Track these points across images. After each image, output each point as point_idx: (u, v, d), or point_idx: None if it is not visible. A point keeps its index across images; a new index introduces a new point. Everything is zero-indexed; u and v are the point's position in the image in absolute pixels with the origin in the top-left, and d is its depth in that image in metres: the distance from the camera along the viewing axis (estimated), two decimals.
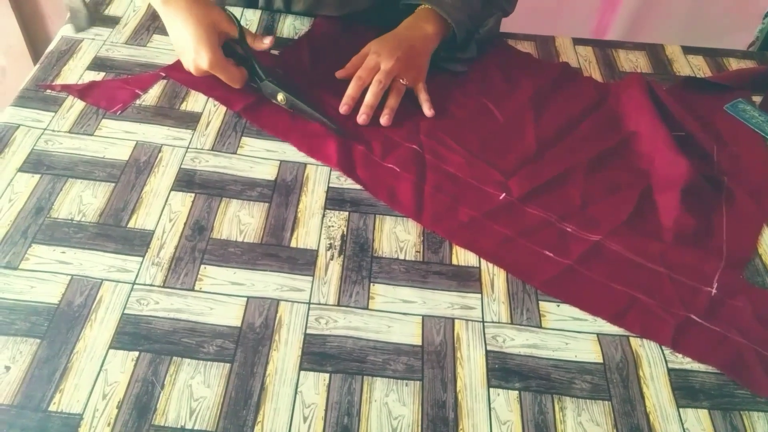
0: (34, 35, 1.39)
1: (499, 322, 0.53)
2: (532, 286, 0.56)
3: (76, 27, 0.76)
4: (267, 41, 0.69)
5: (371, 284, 0.55)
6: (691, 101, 0.76)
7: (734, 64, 0.84)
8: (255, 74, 0.69)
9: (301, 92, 0.68)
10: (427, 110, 0.70)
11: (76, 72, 0.73)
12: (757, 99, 0.78)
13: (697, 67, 0.83)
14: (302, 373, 0.49)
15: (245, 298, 0.53)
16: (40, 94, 0.69)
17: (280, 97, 0.68)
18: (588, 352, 0.52)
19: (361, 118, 0.68)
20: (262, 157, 0.65)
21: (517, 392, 0.49)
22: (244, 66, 0.69)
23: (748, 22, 1.39)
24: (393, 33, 0.74)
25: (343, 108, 0.68)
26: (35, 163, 0.62)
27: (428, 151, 0.66)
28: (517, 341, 0.52)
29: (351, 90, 0.69)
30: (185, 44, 0.65)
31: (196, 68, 0.67)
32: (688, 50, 0.86)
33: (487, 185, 0.64)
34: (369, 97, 0.68)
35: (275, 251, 0.57)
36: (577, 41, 0.85)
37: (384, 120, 0.68)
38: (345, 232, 0.59)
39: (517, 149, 0.67)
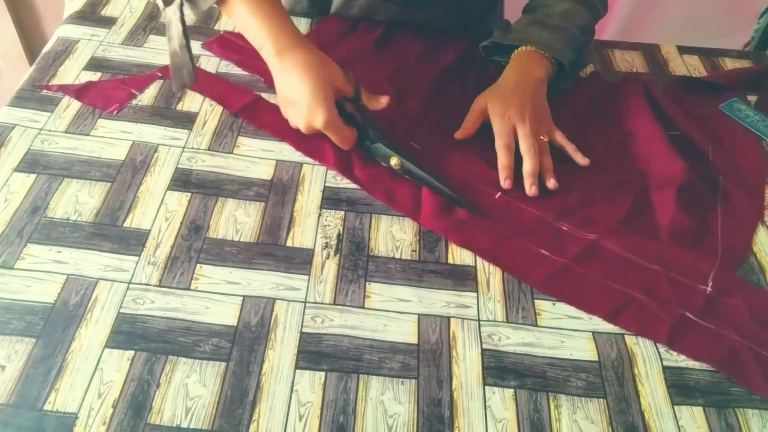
0: (31, 36, 1.39)
1: (494, 321, 0.53)
2: (527, 285, 0.56)
3: (179, 84, 0.65)
4: (383, 101, 0.65)
5: (367, 283, 0.55)
6: (687, 101, 0.76)
7: (729, 64, 0.84)
8: (366, 135, 0.65)
9: (416, 156, 0.64)
10: (581, 160, 0.66)
11: (72, 72, 0.73)
12: (753, 98, 0.78)
13: (692, 67, 0.83)
14: (298, 371, 0.49)
15: (241, 297, 0.53)
16: (36, 95, 0.69)
17: (394, 161, 0.63)
18: (583, 350, 0.52)
19: (532, 190, 0.62)
20: (258, 156, 0.65)
21: (512, 390, 0.49)
22: (351, 124, 0.64)
23: (743, 23, 1.40)
24: (507, 85, 0.69)
25: (506, 183, 0.63)
26: (31, 162, 0.62)
27: (426, 149, 0.66)
28: (513, 339, 0.52)
29: (506, 160, 0.64)
30: (298, 100, 0.61)
31: (307, 126, 0.62)
32: (683, 50, 0.86)
33: (483, 184, 0.64)
34: (531, 167, 0.63)
35: (271, 250, 0.57)
36: None
37: (551, 184, 0.63)
38: (341, 231, 0.59)
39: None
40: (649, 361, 0.52)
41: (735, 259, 0.60)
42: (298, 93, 0.61)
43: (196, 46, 0.78)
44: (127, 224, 0.58)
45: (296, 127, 0.64)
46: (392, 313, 0.53)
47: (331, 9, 0.83)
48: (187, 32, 0.61)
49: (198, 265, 0.55)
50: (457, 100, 0.73)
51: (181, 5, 0.60)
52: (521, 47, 0.72)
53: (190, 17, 0.61)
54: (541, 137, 0.66)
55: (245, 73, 0.75)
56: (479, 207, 0.61)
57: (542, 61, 0.70)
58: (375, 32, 0.80)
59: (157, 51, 0.77)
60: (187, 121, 0.68)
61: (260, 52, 0.63)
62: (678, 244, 0.60)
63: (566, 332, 0.53)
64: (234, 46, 0.78)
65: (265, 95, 0.72)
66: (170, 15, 0.61)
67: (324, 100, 0.60)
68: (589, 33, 0.76)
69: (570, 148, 0.67)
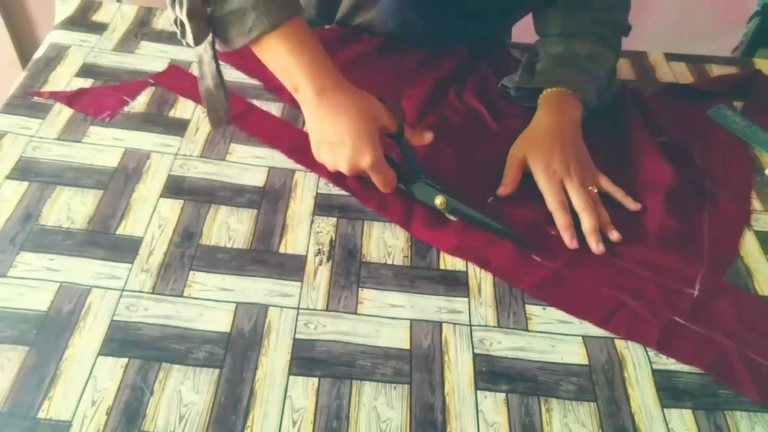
0: (23, 41, 1.39)
1: (486, 326, 0.54)
2: (518, 290, 0.57)
3: (215, 122, 0.63)
4: (428, 136, 0.63)
5: (360, 289, 0.56)
6: (674, 107, 0.77)
7: (716, 71, 0.86)
8: (407, 173, 0.61)
9: (462, 194, 0.61)
10: (632, 205, 0.64)
11: (63, 79, 0.73)
12: (739, 105, 0.80)
13: (679, 74, 0.84)
14: (291, 377, 0.49)
15: (234, 304, 0.53)
16: (27, 101, 0.69)
17: (439, 201, 0.59)
18: (574, 354, 0.53)
19: (599, 247, 0.59)
20: (250, 163, 0.66)
21: (504, 395, 0.50)
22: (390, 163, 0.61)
23: (732, 27, 1.41)
24: (543, 131, 0.67)
25: (574, 243, 0.59)
26: (23, 170, 0.62)
27: (419, 154, 0.67)
28: (504, 344, 0.53)
29: (567, 219, 0.61)
30: (341, 141, 0.58)
31: (351, 168, 0.59)
32: (670, 57, 0.87)
33: (474, 189, 0.64)
34: (592, 224, 0.60)
35: (264, 257, 0.57)
36: None
37: (615, 237, 0.60)
38: (333, 238, 0.60)
39: (504, 154, 0.68)
40: (639, 364, 0.52)
41: (722, 263, 0.60)
42: (341, 134, 0.58)
43: (190, 53, 0.79)
44: (119, 231, 0.58)
45: (335, 169, 0.61)
46: (385, 319, 0.54)
47: (335, 18, 0.83)
48: (221, 71, 0.59)
49: (191, 272, 0.55)
50: (454, 107, 0.74)
51: (213, 43, 0.57)
52: (550, 88, 0.69)
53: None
54: (591, 188, 0.63)
55: (238, 80, 0.76)
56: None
57: (575, 103, 0.68)
58: (377, 40, 0.80)
59: (149, 57, 0.77)
60: (179, 128, 0.69)
61: (295, 93, 0.60)
62: (665, 249, 0.60)
63: (557, 337, 0.54)
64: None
65: (257, 102, 0.73)
66: (201, 52, 0.58)
67: (369, 140, 0.58)
68: (613, 77, 0.75)
69: (619, 195, 0.64)
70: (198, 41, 0.56)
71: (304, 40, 0.58)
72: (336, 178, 0.64)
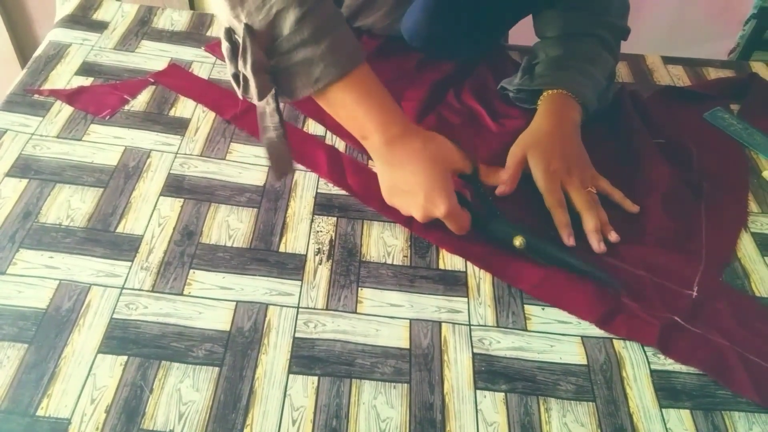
0: (22, 40, 1.38)
1: (485, 326, 0.54)
2: (517, 290, 0.57)
3: (279, 174, 0.60)
4: (505, 176, 0.62)
5: (359, 288, 0.56)
6: (671, 110, 0.78)
7: (713, 74, 0.86)
8: (483, 214, 0.60)
9: (541, 233, 0.60)
10: (630, 207, 0.64)
11: (64, 77, 0.73)
12: (735, 107, 0.80)
13: (676, 77, 0.85)
14: (291, 376, 0.49)
15: (234, 303, 0.53)
16: (27, 99, 0.69)
17: (518, 241, 0.57)
18: (572, 354, 0.53)
19: (601, 246, 0.60)
20: (250, 162, 0.66)
21: (503, 394, 0.50)
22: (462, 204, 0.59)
23: (729, 29, 1.42)
24: (543, 132, 0.67)
25: (571, 240, 0.60)
26: (23, 167, 0.62)
27: None
28: (503, 344, 0.53)
29: (564, 217, 0.61)
30: (414, 189, 0.56)
31: (425, 216, 0.57)
32: (668, 60, 0.88)
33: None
34: (594, 224, 0.61)
35: (264, 256, 0.57)
36: None
37: (614, 237, 0.61)
38: (333, 237, 0.60)
39: (503, 155, 0.68)
40: (637, 364, 0.53)
41: (719, 264, 0.61)
42: (412, 183, 0.56)
43: (191, 53, 0.79)
44: (119, 230, 0.58)
45: (408, 214, 0.59)
46: (384, 318, 0.54)
47: None
48: (284, 122, 0.56)
49: (191, 271, 0.55)
50: (453, 108, 0.74)
51: (275, 96, 0.54)
52: (550, 90, 0.70)
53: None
54: (590, 189, 0.63)
55: None
56: None
57: (575, 105, 0.69)
58: (376, 42, 0.80)
59: (149, 56, 0.77)
60: (179, 126, 0.69)
61: (363, 141, 0.58)
62: (663, 250, 0.61)
63: (555, 336, 0.54)
64: None
65: None
66: (262, 105, 0.55)
67: (443, 189, 0.56)
68: (612, 80, 0.76)
69: (617, 196, 0.64)
70: (262, 96, 0.53)
71: (371, 88, 0.55)
72: (336, 178, 0.65)
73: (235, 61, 0.53)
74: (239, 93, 0.55)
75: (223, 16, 0.53)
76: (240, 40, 0.52)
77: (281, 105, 0.55)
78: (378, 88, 0.56)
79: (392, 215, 0.61)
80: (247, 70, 0.52)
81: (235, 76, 0.55)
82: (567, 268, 0.58)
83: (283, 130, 0.56)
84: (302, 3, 0.49)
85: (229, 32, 0.53)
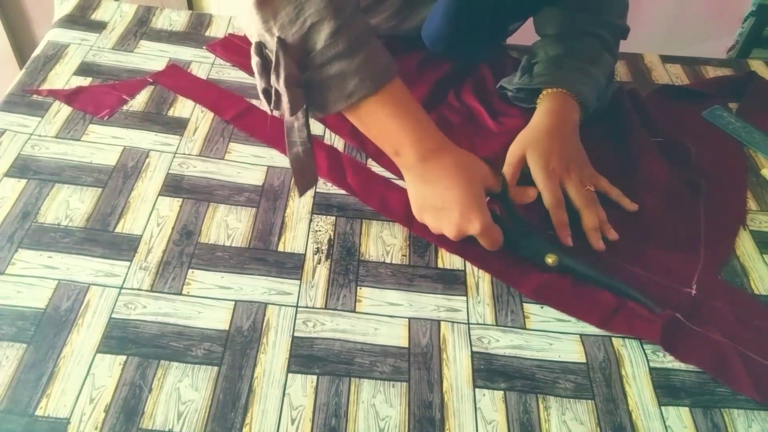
0: (21, 39, 1.38)
1: (484, 324, 0.54)
2: (516, 288, 0.57)
3: (303, 188, 0.60)
4: (533, 193, 0.61)
5: (358, 287, 0.56)
6: (670, 108, 0.78)
7: (711, 72, 0.86)
8: (514, 231, 0.59)
9: (573, 250, 0.59)
10: (629, 205, 0.64)
11: (62, 77, 0.73)
12: (734, 106, 0.80)
13: (675, 76, 0.85)
14: (290, 375, 0.49)
15: (233, 302, 0.53)
16: (26, 99, 0.69)
17: (551, 259, 0.57)
18: (571, 352, 0.53)
19: (600, 244, 0.60)
20: (249, 162, 0.66)
21: (502, 392, 0.50)
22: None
23: (728, 27, 1.42)
24: (542, 130, 0.66)
25: (569, 240, 0.60)
26: (22, 168, 0.62)
27: None
28: (502, 342, 0.53)
29: (562, 217, 0.61)
30: (448, 205, 0.56)
31: (458, 233, 0.56)
32: (666, 59, 0.88)
33: None
34: (593, 222, 0.61)
35: (263, 255, 0.57)
36: None
37: (613, 235, 0.61)
38: (332, 236, 0.60)
39: (503, 154, 0.68)
40: (636, 362, 0.53)
41: (717, 262, 0.61)
42: (446, 200, 0.55)
43: (189, 53, 0.79)
44: (118, 230, 0.58)
45: (439, 232, 0.58)
46: (383, 317, 0.54)
47: None
48: (311, 137, 0.56)
49: (190, 270, 0.55)
50: (453, 107, 0.74)
51: (306, 110, 0.54)
52: (549, 89, 0.69)
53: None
54: (589, 187, 0.63)
55: (238, 80, 0.76)
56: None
57: (574, 104, 0.68)
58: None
59: (148, 56, 0.77)
60: (178, 126, 0.69)
61: (395, 157, 0.57)
62: (662, 248, 0.61)
63: (554, 335, 0.54)
64: (238, 49, 0.79)
65: (256, 102, 0.73)
66: (291, 120, 0.55)
67: (477, 205, 0.55)
68: (611, 79, 0.76)
69: (615, 194, 0.65)
70: (294, 111, 0.52)
71: (405, 102, 0.54)
72: (336, 178, 0.65)
73: (267, 76, 0.52)
74: (269, 108, 0.54)
75: (252, 30, 0.51)
76: (271, 55, 0.50)
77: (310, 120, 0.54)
78: (412, 102, 0.55)
79: (420, 232, 0.60)
80: (279, 85, 0.50)
81: (266, 92, 0.53)
82: (600, 287, 0.57)
83: (310, 145, 0.56)
84: (337, 16, 0.48)
85: (260, 46, 0.51)
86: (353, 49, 0.50)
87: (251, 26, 0.51)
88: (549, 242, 0.59)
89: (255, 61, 0.52)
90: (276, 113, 0.54)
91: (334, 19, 0.48)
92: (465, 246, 0.59)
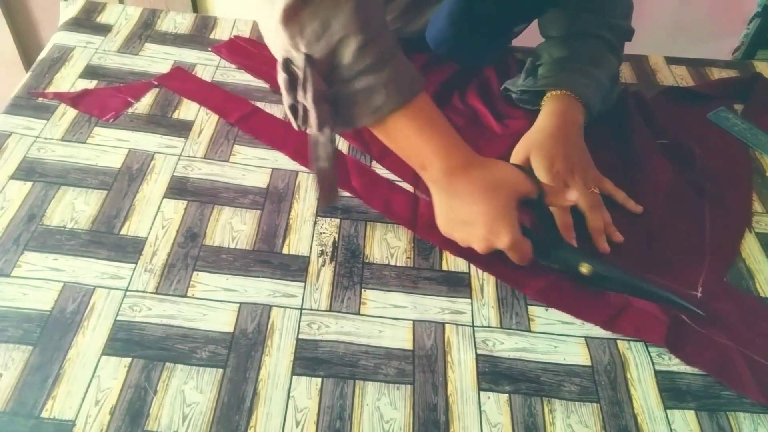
0: (26, 43, 1.39)
1: (488, 327, 0.54)
2: (520, 291, 0.57)
3: (326, 201, 0.61)
4: (573, 197, 0.58)
5: (363, 290, 0.56)
6: (675, 110, 0.78)
7: (716, 74, 0.86)
8: (544, 241, 0.57)
9: (608, 261, 0.58)
10: (633, 207, 0.64)
11: (68, 80, 0.73)
12: (739, 107, 0.80)
13: (680, 77, 0.85)
14: (294, 377, 0.49)
15: (238, 304, 0.54)
16: (32, 102, 0.70)
17: (585, 269, 0.55)
18: (576, 355, 0.53)
19: (605, 246, 0.60)
20: (254, 165, 0.66)
21: (507, 395, 0.50)
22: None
23: (733, 28, 1.42)
24: (546, 132, 0.66)
25: (573, 243, 0.59)
26: (27, 170, 0.62)
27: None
28: (507, 345, 0.53)
29: (567, 218, 0.61)
30: (476, 219, 0.54)
31: (487, 247, 0.55)
32: (671, 61, 0.88)
33: None
34: (598, 224, 0.61)
35: (267, 258, 0.57)
36: None
37: (618, 237, 0.61)
38: (336, 239, 0.60)
39: (507, 156, 0.68)
40: (642, 365, 0.52)
41: (723, 265, 0.61)
42: (474, 214, 0.54)
43: (194, 56, 0.79)
44: (123, 232, 0.58)
45: (467, 246, 0.57)
46: (387, 320, 0.54)
47: None
48: (336, 151, 0.56)
49: (194, 273, 0.55)
50: (457, 109, 0.74)
51: (333, 126, 0.53)
52: (553, 91, 0.69)
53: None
54: (593, 189, 0.63)
55: (242, 82, 0.76)
56: None
57: (578, 106, 0.68)
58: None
59: (153, 59, 0.78)
60: (183, 129, 0.69)
61: (421, 171, 0.56)
62: (667, 250, 0.61)
63: (559, 337, 0.54)
64: (244, 51, 0.79)
65: (260, 105, 0.73)
66: (316, 134, 0.54)
67: (506, 219, 0.54)
68: (615, 81, 0.75)
69: (620, 197, 0.64)
70: (322, 126, 0.51)
71: (432, 116, 0.54)
72: (341, 180, 0.65)
73: (294, 92, 0.51)
74: (295, 124, 0.53)
75: (279, 46, 0.50)
76: (298, 71, 0.50)
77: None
78: (439, 116, 0.54)
79: (424, 234, 0.60)
80: (307, 101, 0.50)
81: (293, 108, 0.52)
82: (638, 295, 0.56)
83: (335, 160, 0.55)
84: (364, 30, 0.48)
85: (287, 63, 0.51)
86: (380, 63, 0.49)
87: (277, 42, 0.50)
88: (582, 252, 0.57)
89: (282, 77, 0.51)
90: (304, 129, 0.53)
91: (362, 34, 0.48)
92: (469, 249, 0.59)
